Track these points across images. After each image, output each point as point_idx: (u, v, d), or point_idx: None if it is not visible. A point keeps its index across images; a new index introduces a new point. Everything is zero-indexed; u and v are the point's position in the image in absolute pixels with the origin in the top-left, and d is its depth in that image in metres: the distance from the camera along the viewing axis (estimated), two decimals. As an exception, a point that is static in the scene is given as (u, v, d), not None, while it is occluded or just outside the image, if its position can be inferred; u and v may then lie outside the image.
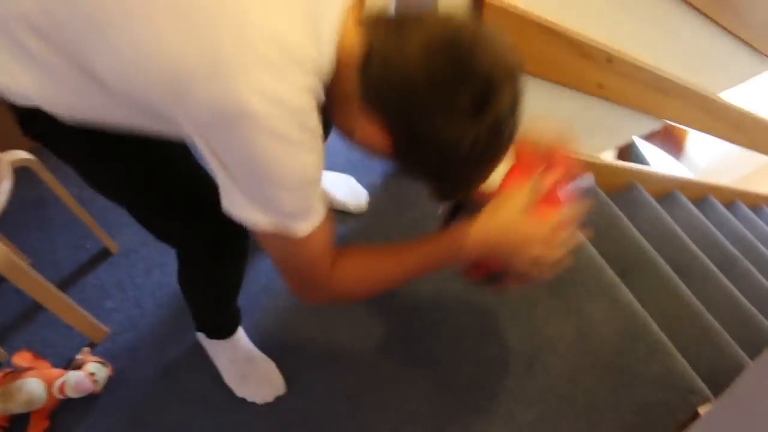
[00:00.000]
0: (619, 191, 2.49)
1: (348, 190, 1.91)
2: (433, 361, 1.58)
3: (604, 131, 2.19)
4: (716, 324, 1.95)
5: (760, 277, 2.54)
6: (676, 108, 2.17)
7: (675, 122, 2.24)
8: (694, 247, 2.38)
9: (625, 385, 1.58)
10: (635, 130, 2.36)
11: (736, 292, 2.28)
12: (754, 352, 1.92)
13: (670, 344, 1.68)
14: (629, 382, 1.59)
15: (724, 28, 1.89)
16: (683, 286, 2.03)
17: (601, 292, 1.77)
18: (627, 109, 2.05)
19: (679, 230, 2.42)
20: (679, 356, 1.65)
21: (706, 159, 4.39)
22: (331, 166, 1.95)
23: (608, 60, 1.73)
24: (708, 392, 1.58)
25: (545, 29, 1.55)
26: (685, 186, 2.91)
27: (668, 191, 2.79)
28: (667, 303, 1.94)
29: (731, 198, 3.33)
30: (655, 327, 1.71)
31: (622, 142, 2.35)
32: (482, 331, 1.64)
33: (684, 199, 2.81)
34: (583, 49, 1.66)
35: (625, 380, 1.59)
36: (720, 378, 1.72)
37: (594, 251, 1.87)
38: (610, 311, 1.73)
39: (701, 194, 2.99)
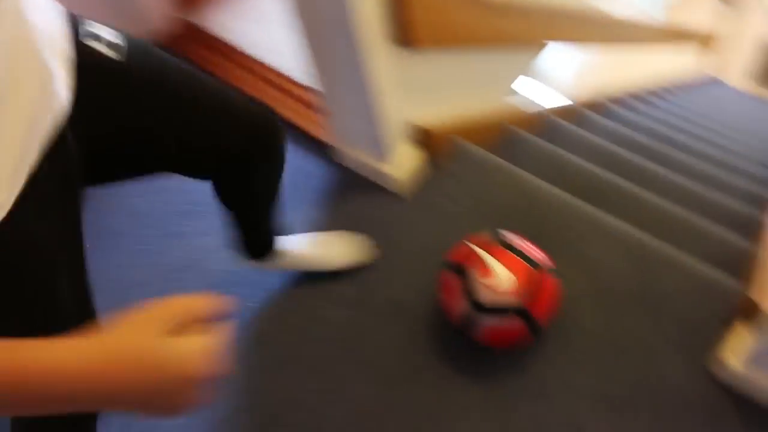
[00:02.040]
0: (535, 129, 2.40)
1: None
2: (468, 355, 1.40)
3: (511, 76, 2.19)
4: (688, 214, 1.88)
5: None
6: (565, 30, 2.25)
7: (549, 39, 2.23)
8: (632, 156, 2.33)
9: (659, 311, 1.47)
10: (527, 64, 2.32)
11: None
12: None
13: (673, 251, 1.58)
14: (660, 305, 1.48)
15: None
16: (644, 194, 1.94)
17: (590, 232, 1.65)
18: (518, 54, 2.09)
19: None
20: (687, 258, 1.56)
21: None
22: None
23: (508, 9, 1.72)
24: (733, 282, 1.50)
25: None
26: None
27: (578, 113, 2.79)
28: (640, 216, 1.82)
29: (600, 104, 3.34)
30: (654, 241, 1.60)
31: (524, 77, 2.32)
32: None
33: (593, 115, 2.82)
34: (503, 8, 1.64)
35: (656, 305, 1.48)
36: (723, 264, 1.62)
37: (563, 195, 1.75)
38: (606, 244, 1.61)
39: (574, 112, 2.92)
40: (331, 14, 1.29)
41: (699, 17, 5.82)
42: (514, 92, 2.28)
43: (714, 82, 5.54)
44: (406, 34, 1.34)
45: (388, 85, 1.46)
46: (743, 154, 3.26)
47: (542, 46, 2.26)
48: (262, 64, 2.33)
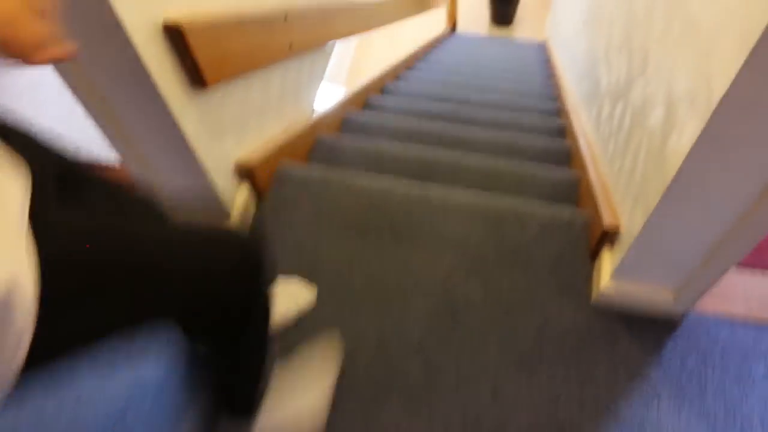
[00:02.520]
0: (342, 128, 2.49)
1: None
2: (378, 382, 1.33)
3: (307, 85, 2.13)
4: (509, 163, 2.03)
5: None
6: (337, 26, 2.23)
7: (337, 38, 2.26)
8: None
9: (529, 262, 1.56)
10: (323, 64, 2.32)
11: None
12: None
13: (517, 201, 1.71)
14: (527, 257, 1.57)
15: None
16: (466, 157, 2.05)
17: (438, 211, 1.70)
18: (311, 52, 2.04)
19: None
20: (532, 204, 1.70)
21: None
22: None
23: (285, 18, 1.66)
24: (579, 213, 1.66)
25: (238, 24, 1.40)
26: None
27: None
28: (471, 179, 1.96)
29: (382, 85, 3.50)
30: (497, 199, 1.72)
31: (320, 84, 2.31)
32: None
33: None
34: (268, 22, 1.56)
35: (523, 258, 1.57)
36: (563, 198, 1.87)
37: (396, 184, 1.78)
38: (460, 217, 1.68)
39: (364, 100, 3.03)
40: (125, 77, 1.18)
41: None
42: (318, 101, 2.27)
43: (463, 35, 5.97)
44: (196, 75, 1.27)
45: (201, 134, 1.38)
46: (523, 91, 3.53)
47: (329, 51, 2.26)
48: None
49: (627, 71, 1.62)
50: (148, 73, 1.15)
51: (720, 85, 0.91)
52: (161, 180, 1.52)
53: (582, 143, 2.07)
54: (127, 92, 1.23)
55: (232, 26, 1.36)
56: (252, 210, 1.72)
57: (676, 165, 1.07)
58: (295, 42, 1.74)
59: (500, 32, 6.21)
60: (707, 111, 0.95)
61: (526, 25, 6.32)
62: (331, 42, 2.19)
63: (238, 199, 1.66)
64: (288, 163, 1.82)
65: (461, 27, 6.08)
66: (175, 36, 1.18)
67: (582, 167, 1.92)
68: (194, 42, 1.21)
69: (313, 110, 2.22)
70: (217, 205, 1.58)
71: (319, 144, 2.10)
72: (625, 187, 1.45)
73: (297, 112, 2.03)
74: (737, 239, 1.16)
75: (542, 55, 5.18)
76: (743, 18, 0.85)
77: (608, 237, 1.45)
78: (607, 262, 1.44)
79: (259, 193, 1.74)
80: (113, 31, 1.06)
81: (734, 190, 1.05)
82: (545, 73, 4.32)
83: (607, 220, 1.46)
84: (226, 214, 1.61)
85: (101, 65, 1.16)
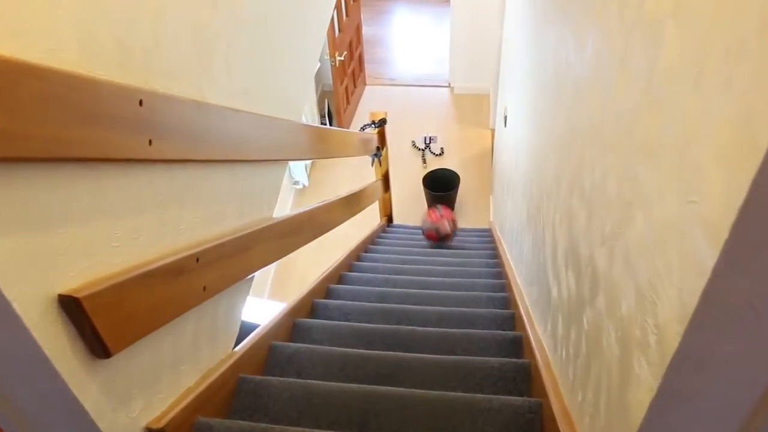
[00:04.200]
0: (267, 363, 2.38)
1: None
2: None
3: (224, 326, 2.03)
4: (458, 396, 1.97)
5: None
6: (258, 255, 2.15)
7: (259, 268, 2.19)
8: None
9: None
10: (243, 294, 2.24)
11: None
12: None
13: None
14: None
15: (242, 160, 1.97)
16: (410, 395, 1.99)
17: None
18: (228, 289, 1.94)
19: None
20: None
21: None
22: None
23: (197, 260, 1.60)
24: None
25: (143, 278, 1.35)
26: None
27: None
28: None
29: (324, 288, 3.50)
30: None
31: (240, 316, 2.21)
32: None
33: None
34: (177, 268, 1.51)
35: None
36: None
37: None
38: None
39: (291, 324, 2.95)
40: (16, 355, 1.10)
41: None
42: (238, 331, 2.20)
43: (401, 227, 6.14)
44: (98, 346, 1.20)
45: (104, 405, 1.28)
46: (471, 297, 3.50)
47: (248, 284, 2.23)
48: None
49: (576, 291, 1.60)
50: (41, 350, 1.08)
51: (673, 333, 0.88)
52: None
53: (540, 362, 2.03)
54: (19, 371, 1.15)
55: (137, 282, 1.31)
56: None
57: (638, 418, 1.03)
58: (210, 284, 1.70)
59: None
60: (662, 365, 0.92)
61: (467, 212, 6.50)
62: (252, 275, 2.17)
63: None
64: (206, 420, 1.70)
65: (398, 218, 6.17)
66: (72, 308, 1.11)
67: (543, 394, 1.87)
68: (94, 311, 1.14)
69: (232, 346, 2.14)
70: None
71: (242, 386, 1.98)
72: (591, 426, 1.40)
73: (215, 353, 1.95)
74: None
75: (488, 242, 5.23)
76: (680, 283, 0.85)
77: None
78: None
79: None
80: (1, 310, 1.00)
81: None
82: (492, 262, 4.34)
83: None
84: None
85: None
